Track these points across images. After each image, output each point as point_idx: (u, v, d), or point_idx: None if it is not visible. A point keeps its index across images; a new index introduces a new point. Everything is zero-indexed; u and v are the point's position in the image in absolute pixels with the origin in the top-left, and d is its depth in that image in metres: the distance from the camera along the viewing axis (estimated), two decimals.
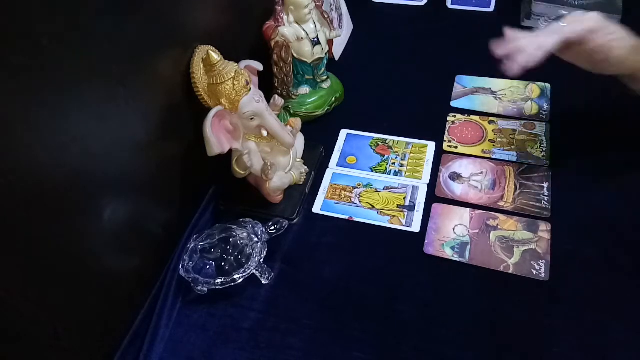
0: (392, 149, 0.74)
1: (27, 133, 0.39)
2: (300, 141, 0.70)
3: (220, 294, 0.58)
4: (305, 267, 0.62)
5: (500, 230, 0.62)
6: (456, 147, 0.73)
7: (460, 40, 0.92)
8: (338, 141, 0.76)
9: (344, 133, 0.78)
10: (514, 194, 0.66)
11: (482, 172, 0.69)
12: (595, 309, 0.54)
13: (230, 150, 0.60)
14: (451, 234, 0.63)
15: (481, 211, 0.65)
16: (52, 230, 0.43)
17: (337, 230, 0.65)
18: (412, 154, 0.73)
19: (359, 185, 0.70)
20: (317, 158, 0.73)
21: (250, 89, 0.59)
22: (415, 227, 0.64)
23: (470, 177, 0.69)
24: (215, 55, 0.57)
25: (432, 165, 0.71)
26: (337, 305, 0.58)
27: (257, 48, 0.72)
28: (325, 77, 0.79)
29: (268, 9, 0.71)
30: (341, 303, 0.58)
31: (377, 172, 0.71)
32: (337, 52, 0.90)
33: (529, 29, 0.93)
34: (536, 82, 0.81)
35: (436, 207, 0.66)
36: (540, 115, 0.76)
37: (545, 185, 0.66)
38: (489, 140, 0.73)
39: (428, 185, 0.69)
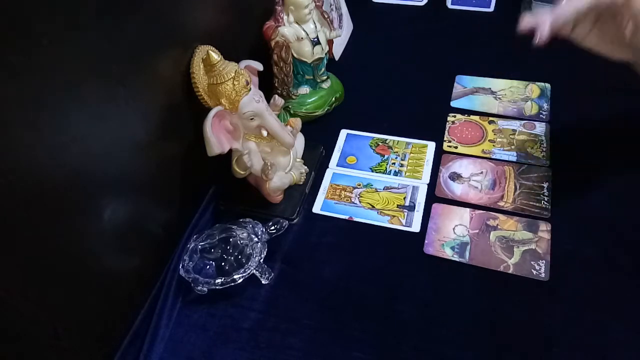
0: (392, 149, 0.74)
1: (27, 133, 0.39)
2: (300, 141, 0.70)
3: (220, 294, 0.58)
4: (305, 267, 0.62)
5: (500, 230, 0.62)
6: (456, 147, 0.73)
7: (460, 40, 0.92)
8: (338, 141, 0.76)
9: (344, 133, 0.78)
10: (514, 194, 0.66)
11: (482, 172, 0.69)
12: (595, 309, 0.54)
13: (230, 150, 0.60)
14: (451, 234, 0.63)
15: (481, 211, 0.65)
16: (52, 230, 0.43)
17: (337, 230, 0.65)
18: (412, 154, 0.73)
19: (359, 185, 0.70)
20: (317, 158, 0.73)
21: (250, 89, 0.59)
22: (415, 227, 0.64)
23: (470, 177, 0.69)
24: (215, 55, 0.57)
25: (432, 165, 0.71)
26: (337, 305, 0.58)
27: (257, 48, 0.72)
28: (325, 77, 0.79)
29: (268, 9, 0.71)
30: (341, 303, 0.58)
31: (377, 172, 0.71)
32: (337, 52, 0.90)
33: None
34: (536, 82, 0.81)
35: (436, 207, 0.66)
36: (540, 115, 0.76)
37: (545, 185, 0.66)
38: (489, 140, 0.73)
39: (428, 185, 0.69)
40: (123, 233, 0.53)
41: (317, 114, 0.78)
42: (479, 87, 0.82)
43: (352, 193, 0.69)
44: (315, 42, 0.73)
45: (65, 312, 0.47)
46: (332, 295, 0.59)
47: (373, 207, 0.67)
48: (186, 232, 0.64)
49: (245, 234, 0.60)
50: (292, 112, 0.77)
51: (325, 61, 0.77)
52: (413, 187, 0.69)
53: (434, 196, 0.67)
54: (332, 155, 0.74)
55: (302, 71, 0.75)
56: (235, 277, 0.57)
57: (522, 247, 0.60)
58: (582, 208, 0.63)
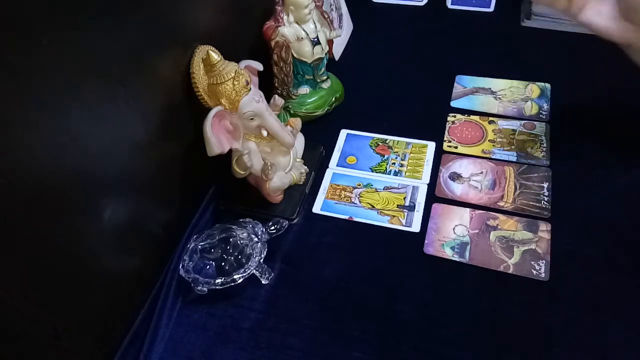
0: (392, 149, 0.74)
1: (27, 133, 0.39)
2: (300, 141, 0.70)
3: (220, 294, 0.58)
4: (305, 267, 0.62)
5: (500, 230, 0.62)
6: (456, 147, 0.73)
7: (460, 40, 0.92)
8: (338, 141, 0.76)
9: (344, 133, 0.78)
10: (514, 194, 0.66)
11: (482, 172, 0.69)
12: (595, 309, 0.54)
13: (230, 150, 0.60)
14: (451, 234, 0.63)
15: (481, 211, 0.65)
16: (52, 230, 0.43)
17: (337, 230, 0.65)
18: (412, 154, 0.73)
19: (359, 185, 0.70)
20: (317, 158, 0.73)
21: (250, 89, 0.59)
22: (415, 227, 0.64)
23: (470, 177, 0.69)
24: (215, 55, 0.57)
25: (432, 165, 0.71)
26: (337, 305, 0.58)
27: (257, 48, 0.72)
28: (325, 77, 0.79)
29: (268, 9, 0.71)
30: (341, 303, 0.58)
31: (377, 172, 0.71)
32: (337, 52, 0.90)
33: (529, 29, 0.93)
34: (536, 82, 0.81)
35: (436, 207, 0.66)
36: (540, 115, 0.76)
37: (545, 185, 0.66)
38: (489, 140, 0.73)
39: (428, 185, 0.69)
40: (123, 233, 0.53)
41: (317, 114, 0.78)
42: (479, 87, 0.82)
43: (352, 193, 0.69)
44: (315, 42, 0.73)
45: (65, 312, 0.47)
46: (332, 295, 0.59)
47: (373, 207, 0.67)
48: (186, 232, 0.64)
49: (245, 234, 0.60)
50: (292, 112, 0.77)
51: (325, 61, 0.77)
52: (413, 187, 0.69)
53: (434, 196, 0.67)
54: (332, 155, 0.74)
55: (302, 71, 0.75)
56: (235, 277, 0.57)
57: (522, 247, 0.60)
58: (582, 208, 0.63)
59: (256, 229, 0.61)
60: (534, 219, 0.63)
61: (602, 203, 0.64)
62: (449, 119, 0.77)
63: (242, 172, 0.63)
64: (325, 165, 0.73)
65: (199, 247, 0.60)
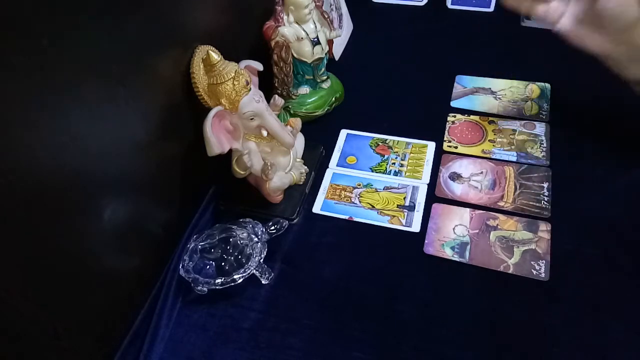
0: (392, 149, 0.74)
1: (27, 133, 0.39)
2: (300, 141, 0.70)
3: (220, 294, 0.58)
4: (305, 267, 0.62)
5: (500, 230, 0.62)
6: (456, 147, 0.73)
7: (460, 40, 0.92)
8: (338, 141, 0.76)
9: (344, 133, 0.78)
10: (514, 194, 0.66)
11: (482, 172, 0.69)
12: (595, 309, 0.54)
13: (230, 150, 0.60)
14: (451, 234, 0.63)
15: (481, 211, 0.65)
16: (52, 230, 0.43)
17: (337, 230, 0.65)
18: (412, 154, 0.73)
19: (359, 185, 0.70)
20: (317, 158, 0.73)
21: (250, 89, 0.59)
22: (415, 227, 0.64)
23: (470, 177, 0.69)
24: (215, 55, 0.57)
25: (432, 165, 0.71)
26: (337, 305, 0.58)
27: (257, 48, 0.72)
28: (325, 77, 0.79)
29: (268, 9, 0.71)
30: (341, 303, 0.58)
31: (377, 172, 0.71)
32: (337, 52, 0.90)
33: (528, 29, 0.93)
34: (536, 82, 0.81)
35: (436, 207, 0.66)
36: (540, 115, 0.76)
37: (545, 185, 0.66)
38: (489, 140, 0.73)
39: (428, 185, 0.69)
40: (123, 233, 0.53)
41: (317, 114, 0.78)
42: (479, 87, 0.82)
43: (352, 193, 0.69)
44: (315, 42, 0.73)
45: (65, 312, 0.47)
46: (332, 295, 0.59)
47: (373, 207, 0.67)
48: (186, 232, 0.64)
49: (245, 234, 0.60)
50: (292, 112, 0.77)
51: (325, 61, 0.77)
52: (413, 187, 0.69)
53: (434, 196, 0.67)
54: (332, 155, 0.74)
55: (302, 71, 0.75)
56: (235, 277, 0.57)
57: (522, 247, 0.60)
58: (582, 208, 0.63)
59: (256, 229, 0.61)
60: (534, 219, 0.63)
61: (602, 203, 0.64)
62: (449, 119, 0.77)
63: (242, 172, 0.63)
64: (325, 165, 0.73)
65: (199, 247, 0.60)
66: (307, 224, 0.66)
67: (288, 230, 0.63)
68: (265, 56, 0.71)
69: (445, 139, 0.74)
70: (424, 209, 0.66)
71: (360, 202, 0.68)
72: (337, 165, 0.73)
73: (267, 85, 0.73)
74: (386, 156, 0.73)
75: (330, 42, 0.81)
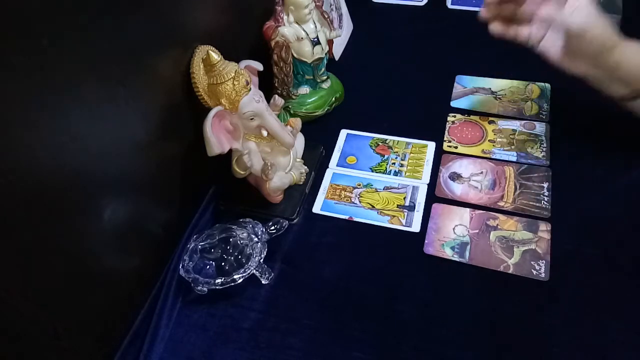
0: (392, 149, 0.74)
1: (27, 133, 0.39)
2: (300, 141, 0.70)
3: (220, 294, 0.58)
4: (305, 267, 0.62)
5: (500, 230, 0.62)
6: (456, 147, 0.73)
7: (460, 40, 0.92)
8: (338, 141, 0.76)
9: (344, 133, 0.78)
10: (514, 194, 0.66)
11: (482, 172, 0.69)
12: (595, 309, 0.54)
13: (230, 150, 0.60)
14: (451, 234, 0.63)
15: (481, 211, 0.65)
16: (52, 230, 0.43)
17: (337, 230, 0.65)
18: (412, 154, 0.73)
19: (359, 185, 0.70)
20: (317, 158, 0.73)
21: (250, 89, 0.59)
22: (415, 227, 0.64)
23: (470, 177, 0.69)
24: (215, 55, 0.57)
25: (432, 165, 0.71)
26: (337, 305, 0.58)
27: (257, 48, 0.72)
28: (325, 77, 0.79)
29: (268, 9, 0.71)
30: (341, 303, 0.58)
31: (377, 172, 0.71)
32: (337, 52, 0.90)
33: None
34: (536, 82, 0.81)
35: (436, 207, 0.66)
36: (540, 115, 0.76)
37: (545, 185, 0.66)
38: (489, 140, 0.73)
39: (428, 185, 0.69)
40: (123, 233, 0.53)
41: (317, 114, 0.78)
42: (479, 87, 0.82)
43: (352, 193, 0.69)
44: (315, 42, 0.73)
45: (65, 312, 0.47)
46: (332, 295, 0.59)
47: (373, 207, 0.67)
48: (186, 232, 0.64)
49: (245, 234, 0.60)
50: (292, 112, 0.77)
51: (325, 61, 0.77)
52: (413, 187, 0.69)
53: (434, 196, 0.67)
54: (332, 155, 0.74)
55: (302, 71, 0.75)
56: (235, 277, 0.57)
57: (522, 247, 0.60)
58: (582, 208, 0.63)
59: (256, 229, 0.61)
60: (534, 219, 0.63)
61: (602, 203, 0.64)
62: (449, 119, 0.77)
63: (242, 172, 0.63)
64: (325, 165, 0.73)
65: (199, 247, 0.60)
66: (307, 224, 0.66)
67: (288, 230, 0.63)
68: (265, 56, 0.71)
69: (445, 139, 0.74)
70: (424, 209, 0.66)
71: (360, 202, 0.68)
72: (337, 165, 0.73)
73: (267, 85, 0.73)
74: (386, 156, 0.73)
75: (330, 42, 0.81)
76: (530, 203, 0.65)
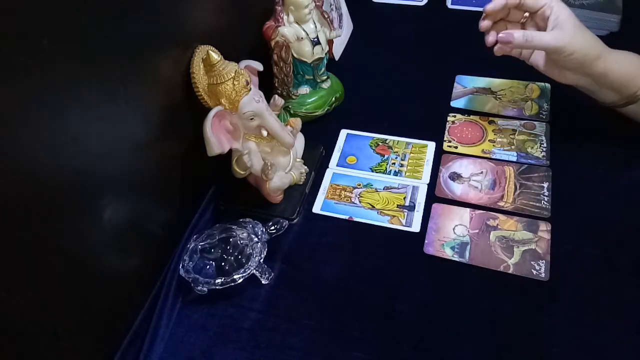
0: (392, 149, 0.74)
1: (27, 133, 0.39)
2: (300, 141, 0.70)
3: (220, 294, 0.58)
4: (305, 267, 0.62)
5: (500, 230, 0.62)
6: (456, 147, 0.73)
7: (460, 40, 0.92)
8: (338, 141, 0.76)
9: (344, 133, 0.78)
10: (514, 194, 0.66)
11: (482, 172, 0.69)
12: (595, 309, 0.54)
13: (230, 150, 0.60)
14: (451, 234, 0.63)
15: (481, 211, 0.65)
16: (52, 230, 0.43)
17: (337, 230, 0.65)
18: (412, 154, 0.73)
19: (359, 185, 0.70)
20: (317, 158, 0.73)
21: (250, 89, 0.59)
22: (415, 227, 0.64)
23: (470, 177, 0.69)
24: (215, 55, 0.57)
25: (432, 165, 0.71)
26: (337, 305, 0.58)
27: (257, 48, 0.72)
28: (325, 77, 0.79)
29: (268, 9, 0.71)
30: (341, 303, 0.58)
31: (377, 172, 0.71)
32: (337, 52, 0.90)
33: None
34: (536, 82, 0.81)
35: (436, 207, 0.66)
36: (540, 115, 0.76)
37: (545, 185, 0.66)
38: (489, 140, 0.73)
39: (428, 185, 0.69)
40: (123, 233, 0.53)
41: (317, 114, 0.78)
42: (479, 87, 0.82)
43: (352, 193, 0.69)
44: (315, 42, 0.73)
45: (65, 312, 0.47)
46: (332, 295, 0.59)
47: (373, 207, 0.67)
48: (186, 232, 0.64)
49: (245, 234, 0.60)
50: (292, 112, 0.77)
51: (325, 61, 0.77)
52: (413, 187, 0.69)
53: (434, 196, 0.67)
54: (332, 155, 0.74)
55: (302, 71, 0.75)
56: (235, 277, 0.57)
57: (522, 247, 0.60)
58: (582, 208, 0.63)
59: (256, 229, 0.61)
60: (534, 219, 0.63)
61: (602, 203, 0.64)
62: (449, 119, 0.77)
63: (242, 172, 0.63)
64: (325, 165, 0.73)
65: (199, 247, 0.60)
66: (307, 224, 0.66)
67: (288, 230, 0.63)
68: (265, 56, 0.71)
69: (445, 139, 0.74)
70: (424, 209, 0.66)
71: (360, 202, 0.68)
72: (337, 165, 0.73)
73: (267, 85, 0.73)
74: (386, 156, 0.73)
75: (330, 42, 0.81)
76: (530, 203, 0.65)
